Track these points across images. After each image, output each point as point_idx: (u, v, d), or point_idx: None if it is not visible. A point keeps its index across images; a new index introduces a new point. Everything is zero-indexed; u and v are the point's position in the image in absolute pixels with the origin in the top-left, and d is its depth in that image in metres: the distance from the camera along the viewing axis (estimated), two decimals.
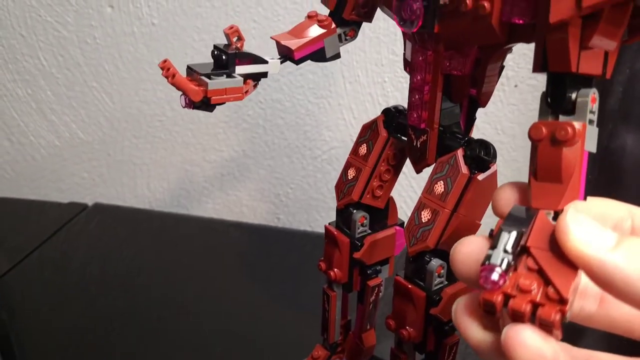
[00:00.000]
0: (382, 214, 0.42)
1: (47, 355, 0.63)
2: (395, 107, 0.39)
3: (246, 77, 0.36)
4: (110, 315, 0.68)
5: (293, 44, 0.38)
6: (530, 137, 0.26)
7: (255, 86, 0.37)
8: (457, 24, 0.29)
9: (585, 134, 0.26)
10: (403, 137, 0.38)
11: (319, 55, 0.39)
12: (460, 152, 0.34)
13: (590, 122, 0.26)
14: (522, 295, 0.23)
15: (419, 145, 0.36)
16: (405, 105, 0.37)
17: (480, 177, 0.33)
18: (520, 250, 0.24)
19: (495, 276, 0.23)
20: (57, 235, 0.85)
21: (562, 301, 0.22)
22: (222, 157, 0.91)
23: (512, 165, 0.79)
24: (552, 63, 0.26)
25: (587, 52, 0.25)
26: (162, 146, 0.93)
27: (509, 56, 0.34)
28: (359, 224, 0.41)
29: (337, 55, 0.39)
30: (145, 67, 0.88)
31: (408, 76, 0.35)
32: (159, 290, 0.73)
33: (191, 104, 0.35)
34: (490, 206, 0.30)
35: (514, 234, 0.24)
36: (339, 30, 0.39)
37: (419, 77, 0.33)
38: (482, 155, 0.33)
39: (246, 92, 0.35)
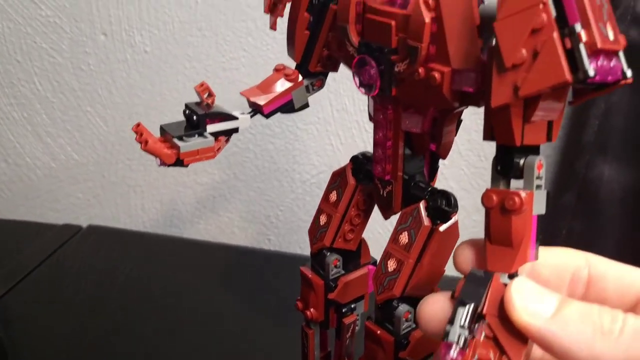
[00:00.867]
0: (355, 255, 0.43)
1: None
2: (364, 154, 0.40)
3: (217, 134, 0.37)
4: (104, 335, 0.69)
5: (262, 99, 0.39)
6: (483, 204, 0.28)
7: (227, 141, 0.38)
8: (412, 90, 0.31)
9: (533, 200, 0.28)
10: (371, 183, 0.40)
11: (287, 107, 0.40)
12: (422, 204, 0.35)
13: (538, 187, 0.28)
14: None
15: (385, 195, 0.37)
16: None
17: (442, 228, 0.34)
18: (478, 317, 0.26)
19: (453, 354, 0.25)
20: (52, 257, 0.86)
21: None
22: (214, 180, 0.93)
23: None
24: (499, 137, 0.27)
25: (530, 125, 0.27)
26: (154, 168, 0.95)
27: None
28: (332, 266, 0.42)
29: (305, 106, 0.40)
30: (138, 92, 0.89)
31: None
32: (153, 312, 0.74)
33: (166, 164, 0.36)
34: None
35: (469, 308, 0.26)
36: (306, 82, 0.40)
37: (380, 134, 0.34)
38: (443, 207, 0.34)
39: (218, 149, 0.37)
